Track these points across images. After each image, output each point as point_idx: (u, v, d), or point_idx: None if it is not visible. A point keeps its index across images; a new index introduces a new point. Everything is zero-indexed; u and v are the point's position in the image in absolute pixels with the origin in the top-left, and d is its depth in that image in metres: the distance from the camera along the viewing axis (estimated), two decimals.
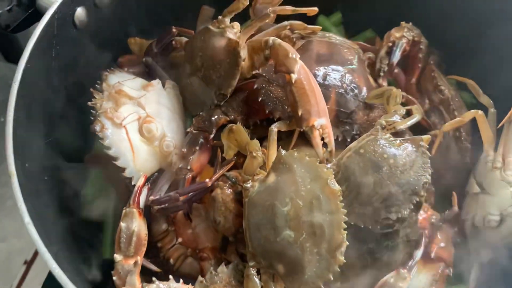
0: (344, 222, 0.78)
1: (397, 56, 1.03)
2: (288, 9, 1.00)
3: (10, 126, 0.80)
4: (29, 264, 1.30)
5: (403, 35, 1.04)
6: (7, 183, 1.40)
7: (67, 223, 0.90)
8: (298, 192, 0.78)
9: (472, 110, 0.98)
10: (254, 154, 0.84)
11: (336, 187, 0.80)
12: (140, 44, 1.13)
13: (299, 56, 0.84)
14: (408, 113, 0.95)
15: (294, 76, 0.83)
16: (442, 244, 0.94)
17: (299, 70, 0.83)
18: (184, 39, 1.05)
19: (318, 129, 0.83)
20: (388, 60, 1.04)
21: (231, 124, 0.88)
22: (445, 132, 1.01)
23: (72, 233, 0.90)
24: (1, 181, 1.40)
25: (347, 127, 0.95)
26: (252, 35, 1.03)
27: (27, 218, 0.74)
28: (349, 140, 0.95)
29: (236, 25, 0.96)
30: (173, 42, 1.06)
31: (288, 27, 0.97)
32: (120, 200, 1.01)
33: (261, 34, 0.97)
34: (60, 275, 0.71)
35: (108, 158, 0.92)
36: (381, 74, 1.03)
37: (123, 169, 0.92)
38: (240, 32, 0.95)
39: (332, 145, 0.86)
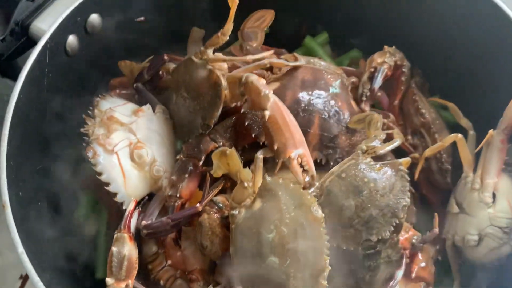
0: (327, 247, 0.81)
1: (378, 81, 1.06)
2: (248, 59, 1.02)
3: (3, 157, 0.83)
4: (25, 278, 1.32)
5: (384, 61, 1.07)
6: None
7: (60, 248, 0.93)
8: (282, 220, 0.81)
9: (452, 135, 1.01)
10: (246, 185, 0.85)
11: (319, 214, 0.82)
12: (130, 66, 1.15)
13: (271, 92, 0.87)
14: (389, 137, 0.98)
15: (267, 113, 0.87)
16: (423, 264, 0.97)
17: (272, 107, 0.87)
18: (172, 65, 1.07)
19: (295, 159, 0.86)
20: (370, 85, 1.07)
21: (225, 148, 0.89)
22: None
23: (64, 258, 0.92)
24: None
25: (330, 151, 0.98)
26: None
27: (20, 248, 0.77)
28: (332, 163, 0.98)
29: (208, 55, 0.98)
30: (160, 72, 1.09)
31: (268, 65, 0.99)
32: (112, 222, 1.03)
33: (240, 70, 0.99)
34: None
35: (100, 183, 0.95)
36: (364, 99, 1.06)
37: (114, 194, 0.94)
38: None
39: (312, 171, 0.89)
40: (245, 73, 0.90)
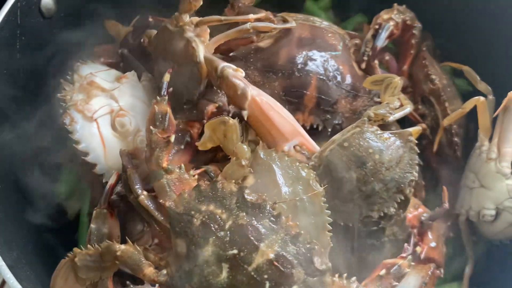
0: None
1: (382, 39, 0.95)
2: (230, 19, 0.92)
3: None
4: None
5: (391, 17, 0.97)
6: None
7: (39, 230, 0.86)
8: (280, 195, 0.74)
9: (473, 98, 0.92)
10: (243, 163, 0.76)
11: (319, 188, 0.76)
12: (116, 27, 1.06)
13: (249, 88, 0.79)
14: None
15: (245, 113, 0.80)
16: (433, 244, 0.89)
17: (250, 106, 0.79)
18: (154, 31, 0.97)
19: (291, 150, 0.81)
20: (373, 43, 0.96)
21: (227, 117, 0.78)
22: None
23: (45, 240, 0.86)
24: None
25: (328, 116, 0.90)
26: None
27: None
28: (330, 129, 0.90)
29: (196, 20, 0.89)
30: (142, 39, 0.99)
31: (251, 30, 0.88)
32: (95, 199, 0.96)
33: (221, 35, 0.89)
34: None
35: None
36: (365, 58, 0.96)
37: (93, 166, 0.87)
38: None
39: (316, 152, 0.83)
40: (221, 64, 0.80)
